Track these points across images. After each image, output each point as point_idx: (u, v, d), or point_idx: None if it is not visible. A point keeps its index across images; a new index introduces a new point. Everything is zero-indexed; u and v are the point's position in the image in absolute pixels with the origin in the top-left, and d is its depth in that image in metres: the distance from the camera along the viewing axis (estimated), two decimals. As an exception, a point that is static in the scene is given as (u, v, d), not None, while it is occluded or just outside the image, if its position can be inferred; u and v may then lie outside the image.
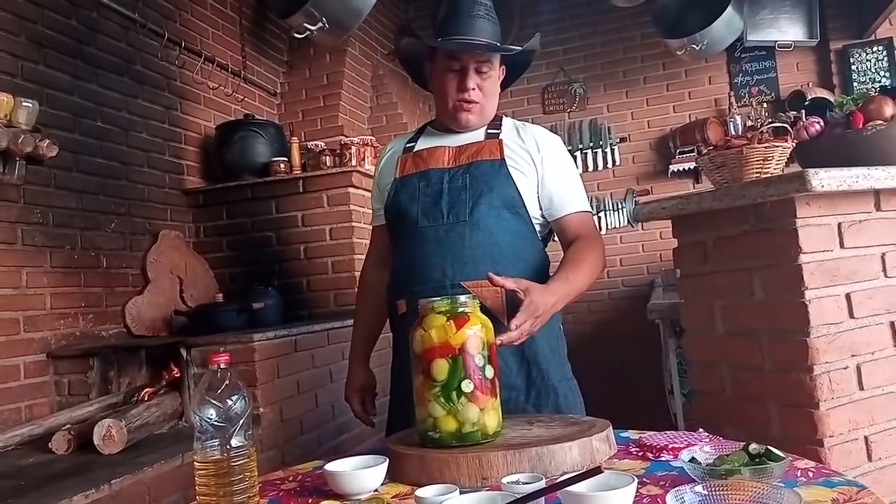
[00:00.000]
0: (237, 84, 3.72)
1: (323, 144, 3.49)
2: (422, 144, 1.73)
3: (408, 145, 1.75)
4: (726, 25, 3.80)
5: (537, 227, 1.65)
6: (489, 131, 1.68)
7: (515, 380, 1.55)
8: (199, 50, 3.43)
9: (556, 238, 1.72)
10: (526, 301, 1.40)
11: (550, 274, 1.65)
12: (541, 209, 1.64)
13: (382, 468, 1.09)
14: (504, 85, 1.75)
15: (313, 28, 2.70)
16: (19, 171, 2.31)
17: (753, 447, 1.02)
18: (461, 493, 0.96)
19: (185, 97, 3.39)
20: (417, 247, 1.60)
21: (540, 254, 1.66)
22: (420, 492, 0.99)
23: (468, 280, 1.52)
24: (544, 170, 1.62)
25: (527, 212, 1.60)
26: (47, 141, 2.31)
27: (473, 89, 1.61)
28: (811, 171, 1.39)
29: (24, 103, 2.26)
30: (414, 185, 1.65)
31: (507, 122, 1.72)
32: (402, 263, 1.65)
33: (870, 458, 1.48)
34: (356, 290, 1.95)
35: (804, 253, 1.46)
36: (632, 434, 1.29)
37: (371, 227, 1.89)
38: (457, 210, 1.57)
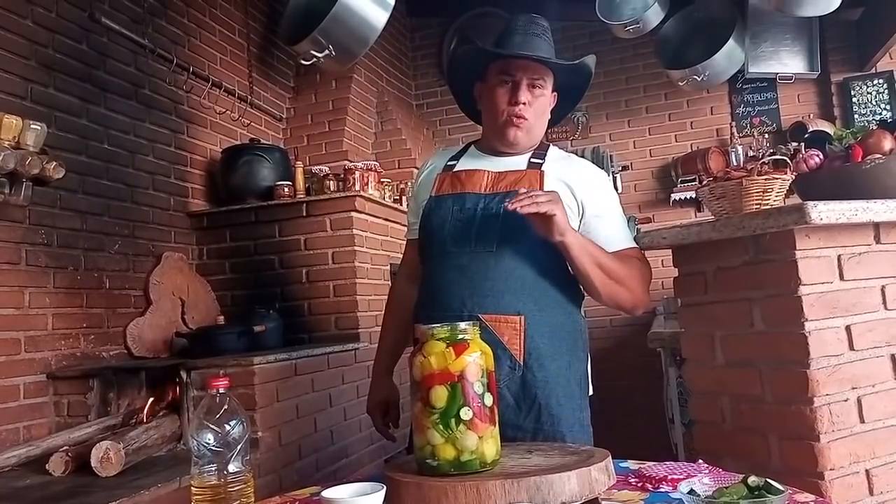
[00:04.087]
0: (244, 109, 3.77)
1: (327, 169, 3.52)
2: (462, 165, 1.68)
3: (449, 163, 1.71)
4: (728, 57, 3.83)
5: None
6: (532, 160, 1.62)
7: (524, 422, 1.49)
8: (207, 75, 3.48)
9: None
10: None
11: (583, 313, 1.62)
12: None
13: (380, 496, 1.09)
14: (555, 118, 1.72)
15: (320, 55, 2.73)
16: (25, 193, 2.33)
17: (752, 480, 1.01)
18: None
19: (191, 121, 3.44)
20: (441, 272, 1.56)
21: (570, 290, 1.59)
22: (417, 520, 0.98)
23: (487, 312, 1.48)
24: (587, 208, 1.58)
25: None
26: (54, 163, 2.33)
27: (525, 103, 1.57)
28: (811, 203, 1.39)
29: (32, 126, 2.28)
30: (448, 206, 1.60)
31: (553, 152, 1.67)
32: (426, 287, 1.62)
33: (871, 493, 1.46)
34: (386, 301, 1.90)
35: (804, 285, 1.46)
36: (631, 464, 1.29)
37: (405, 240, 1.85)
38: (485, 239, 1.52)
